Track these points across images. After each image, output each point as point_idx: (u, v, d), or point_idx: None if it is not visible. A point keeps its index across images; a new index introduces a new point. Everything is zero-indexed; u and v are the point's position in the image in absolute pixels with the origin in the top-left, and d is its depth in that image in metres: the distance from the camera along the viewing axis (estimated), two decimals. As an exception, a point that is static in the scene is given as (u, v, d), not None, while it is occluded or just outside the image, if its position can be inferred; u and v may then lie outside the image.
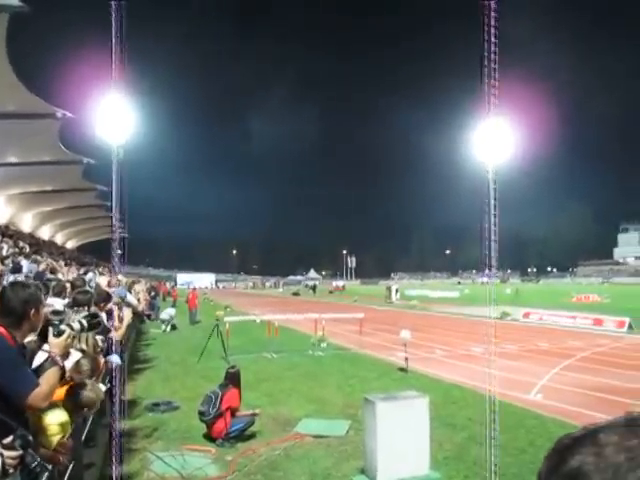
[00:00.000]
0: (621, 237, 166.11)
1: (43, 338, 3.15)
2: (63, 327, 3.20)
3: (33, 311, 2.97)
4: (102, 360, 5.07)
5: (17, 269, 9.97)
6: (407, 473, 5.81)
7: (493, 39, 5.10)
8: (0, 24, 12.29)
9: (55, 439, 3.27)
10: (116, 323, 7.67)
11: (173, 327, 23.66)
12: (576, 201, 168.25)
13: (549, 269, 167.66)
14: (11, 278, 6.88)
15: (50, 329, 3.15)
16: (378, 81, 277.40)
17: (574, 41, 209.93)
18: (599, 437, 0.63)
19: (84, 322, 3.51)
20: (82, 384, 3.70)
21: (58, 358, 3.10)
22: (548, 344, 18.00)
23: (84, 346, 4.47)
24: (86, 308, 5.87)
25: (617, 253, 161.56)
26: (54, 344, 3.13)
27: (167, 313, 24.28)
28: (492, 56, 5.15)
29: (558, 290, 67.92)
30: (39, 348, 3.13)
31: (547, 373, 12.70)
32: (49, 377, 2.95)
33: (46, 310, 3.50)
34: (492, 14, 5.12)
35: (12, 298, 2.99)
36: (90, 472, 5.70)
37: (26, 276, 9.10)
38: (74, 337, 3.46)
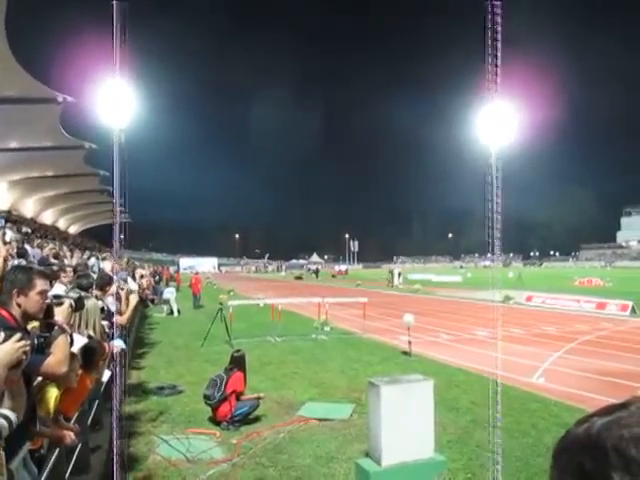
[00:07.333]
0: (624, 221, 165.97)
1: (47, 317, 3.23)
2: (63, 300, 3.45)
3: (16, 293, 3.00)
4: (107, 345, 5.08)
5: (22, 254, 9.98)
6: (411, 456, 5.82)
7: (497, 20, 5.02)
8: (-1, 7, 12.19)
9: (51, 406, 3.36)
10: (122, 307, 7.69)
11: (173, 312, 23.65)
12: (579, 185, 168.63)
13: (551, 253, 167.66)
14: (16, 262, 6.90)
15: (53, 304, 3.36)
16: (379, 66, 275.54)
17: (580, 25, 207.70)
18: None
19: (73, 303, 3.82)
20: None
21: (65, 326, 3.20)
22: (551, 327, 18.02)
23: (91, 332, 4.50)
24: (88, 291, 5.90)
25: (620, 237, 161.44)
26: (58, 312, 3.28)
27: (169, 292, 24.84)
28: (495, 37, 5.08)
29: (560, 274, 67.99)
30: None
31: (550, 356, 12.73)
32: (59, 344, 3.08)
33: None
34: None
35: (6, 279, 3.11)
36: (97, 455, 5.74)
37: (30, 261, 9.09)
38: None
